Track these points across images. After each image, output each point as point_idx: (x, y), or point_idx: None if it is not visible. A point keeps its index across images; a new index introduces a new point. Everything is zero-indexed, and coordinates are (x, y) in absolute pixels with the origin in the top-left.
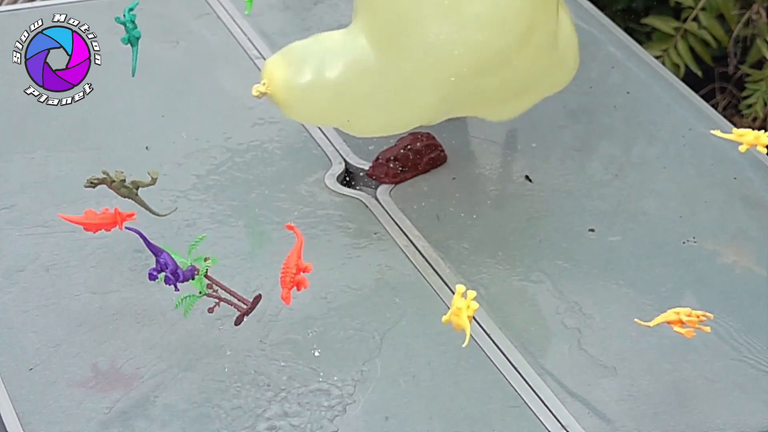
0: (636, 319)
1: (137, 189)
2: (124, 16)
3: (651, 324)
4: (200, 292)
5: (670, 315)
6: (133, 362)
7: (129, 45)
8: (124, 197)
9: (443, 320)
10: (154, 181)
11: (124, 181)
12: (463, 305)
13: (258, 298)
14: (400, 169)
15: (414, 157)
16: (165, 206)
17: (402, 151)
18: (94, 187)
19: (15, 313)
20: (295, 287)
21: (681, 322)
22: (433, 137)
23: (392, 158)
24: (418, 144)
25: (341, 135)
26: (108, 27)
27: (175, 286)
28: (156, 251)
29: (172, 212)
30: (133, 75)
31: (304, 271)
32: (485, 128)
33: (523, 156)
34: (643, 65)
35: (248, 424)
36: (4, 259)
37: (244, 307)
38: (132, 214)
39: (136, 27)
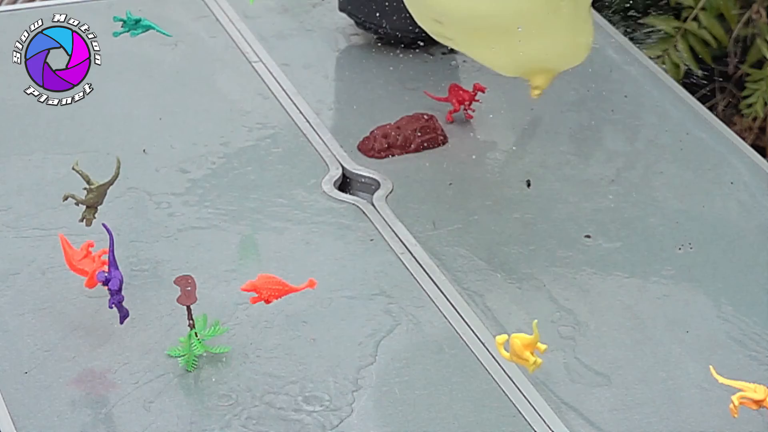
0: (711, 368)
1: (89, 178)
2: (122, 25)
3: (720, 380)
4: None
5: (748, 388)
6: (128, 367)
7: (146, 31)
8: (102, 196)
9: (501, 345)
10: (82, 173)
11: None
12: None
13: (177, 279)
14: (387, 145)
15: (405, 137)
16: (162, 211)
17: (394, 129)
18: (94, 216)
19: (10, 316)
20: (255, 294)
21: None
22: (435, 120)
23: (382, 135)
24: (414, 124)
25: (338, 140)
26: (108, 27)
27: (109, 301)
28: (112, 263)
29: (119, 167)
30: (169, 35)
31: (266, 301)
32: (482, 134)
33: (519, 161)
34: (641, 69)
35: (243, 430)
36: (0, 261)
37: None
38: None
39: (129, 18)
